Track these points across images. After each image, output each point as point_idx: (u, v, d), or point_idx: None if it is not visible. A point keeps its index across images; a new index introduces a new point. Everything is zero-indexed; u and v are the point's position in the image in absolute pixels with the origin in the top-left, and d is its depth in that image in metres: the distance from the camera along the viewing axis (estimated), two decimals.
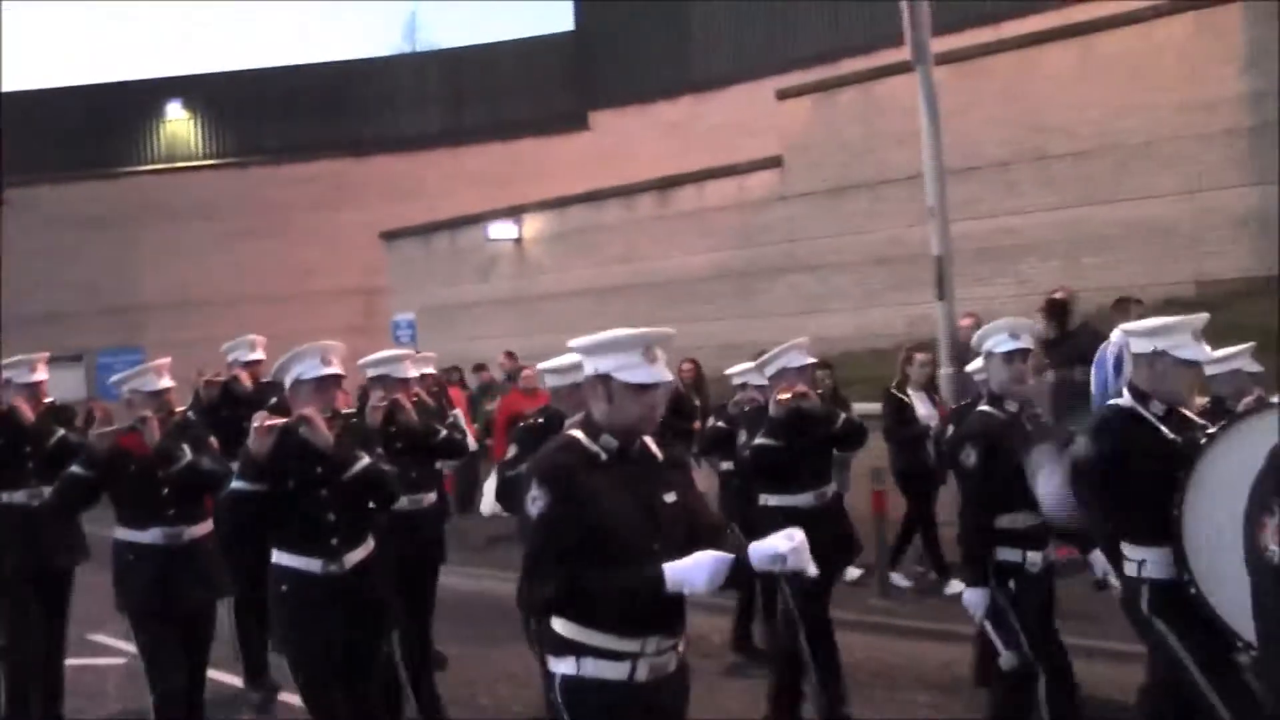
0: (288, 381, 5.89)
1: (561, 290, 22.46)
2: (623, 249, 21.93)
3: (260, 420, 5.61)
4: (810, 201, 19.13)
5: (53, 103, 32.89)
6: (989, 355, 6.24)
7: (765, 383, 8.18)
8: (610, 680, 3.92)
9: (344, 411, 6.17)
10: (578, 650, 3.93)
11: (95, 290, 30.84)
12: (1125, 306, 10.16)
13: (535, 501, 3.88)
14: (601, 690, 3.92)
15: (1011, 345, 6.14)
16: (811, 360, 7.56)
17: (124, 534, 6.88)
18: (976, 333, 6.44)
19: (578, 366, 5.52)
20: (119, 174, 32.48)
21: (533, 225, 23.71)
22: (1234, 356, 7.21)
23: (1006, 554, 6.00)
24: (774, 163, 19.77)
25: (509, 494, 6.50)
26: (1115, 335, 5.99)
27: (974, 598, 6.05)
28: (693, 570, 3.81)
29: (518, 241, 23.69)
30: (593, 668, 3.91)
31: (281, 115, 32.73)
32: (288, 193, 31.47)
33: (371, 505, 6.03)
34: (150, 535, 6.81)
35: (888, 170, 18.07)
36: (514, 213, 23.81)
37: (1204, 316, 5.49)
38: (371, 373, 8.15)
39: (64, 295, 30.26)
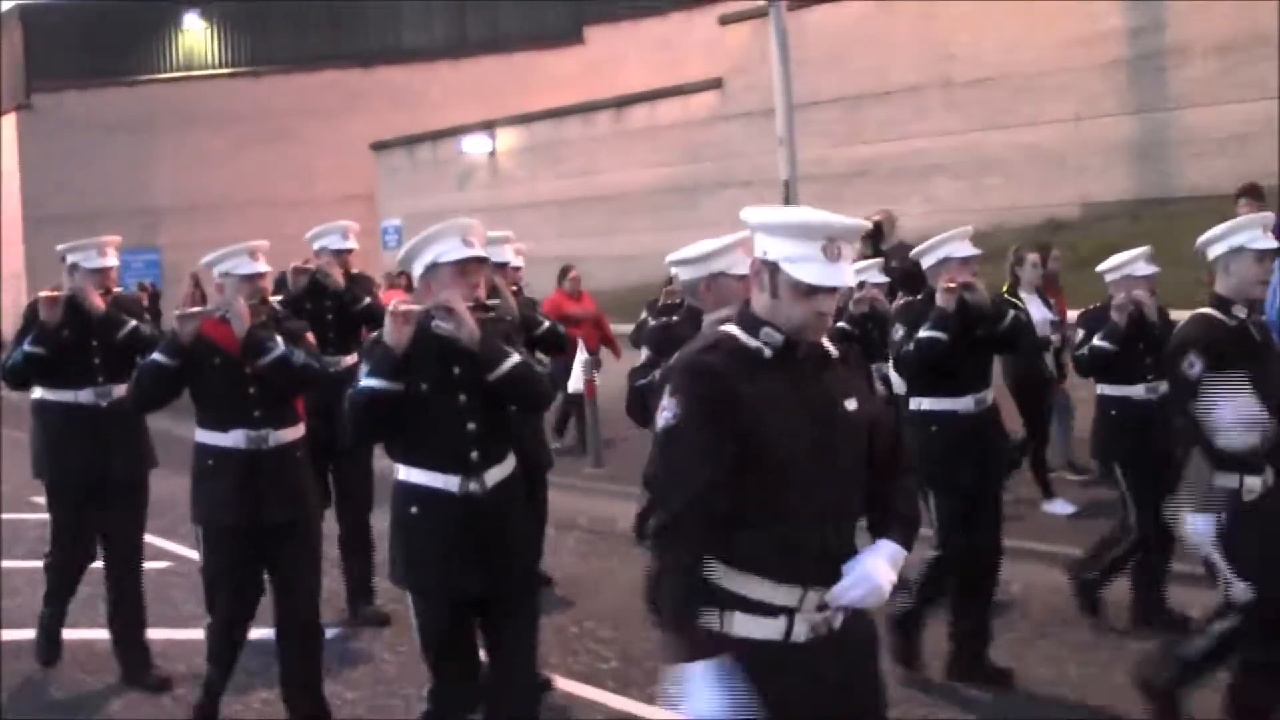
0: (419, 266, 4.93)
1: (530, 201, 23.90)
2: (583, 163, 23.35)
3: (397, 305, 4.79)
4: (747, 121, 20.40)
5: (75, 13, 34.19)
6: (1237, 251, 5.41)
7: (875, 280, 8.87)
8: (760, 640, 3.25)
9: (488, 302, 5.20)
10: (724, 601, 3.26)
11: (112, 192, 32.33)
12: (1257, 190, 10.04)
13: (664, 412, 3.28)
14: (751, 653, 3.23)
15: (1269, 244, 5.41)
16: (977, 251, 6.85)
17: (203, 436, 6.12)
18: (1216, 230, 5.54)
19: (710, 257, 5.29)
20: (137, 82, 33.85)
21: (505, 139, 25.14)
22: (1129, 262, 7.48)
23: (1220, 479, 5.28)
24: (715, 84, 21.07)
25: (641, 405, 5.50)
26: None
27: (1203, 525, 5.29)
28: (859, 582, 3.29)
29: (491, 154, 25.14)
30: (739, 625, 3.25)
31: (293, 26, 33.99)
32: (296, 101, 32.78)
33: (516, 409, 5.11)
34: (232, 438, 6.02)
35: (817, 93, 19.35)
36: (488, 127, 25.22)
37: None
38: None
39: (83, 197, 31.82)
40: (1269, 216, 5.54)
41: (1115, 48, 16.68)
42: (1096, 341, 7.42)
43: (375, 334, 4.98)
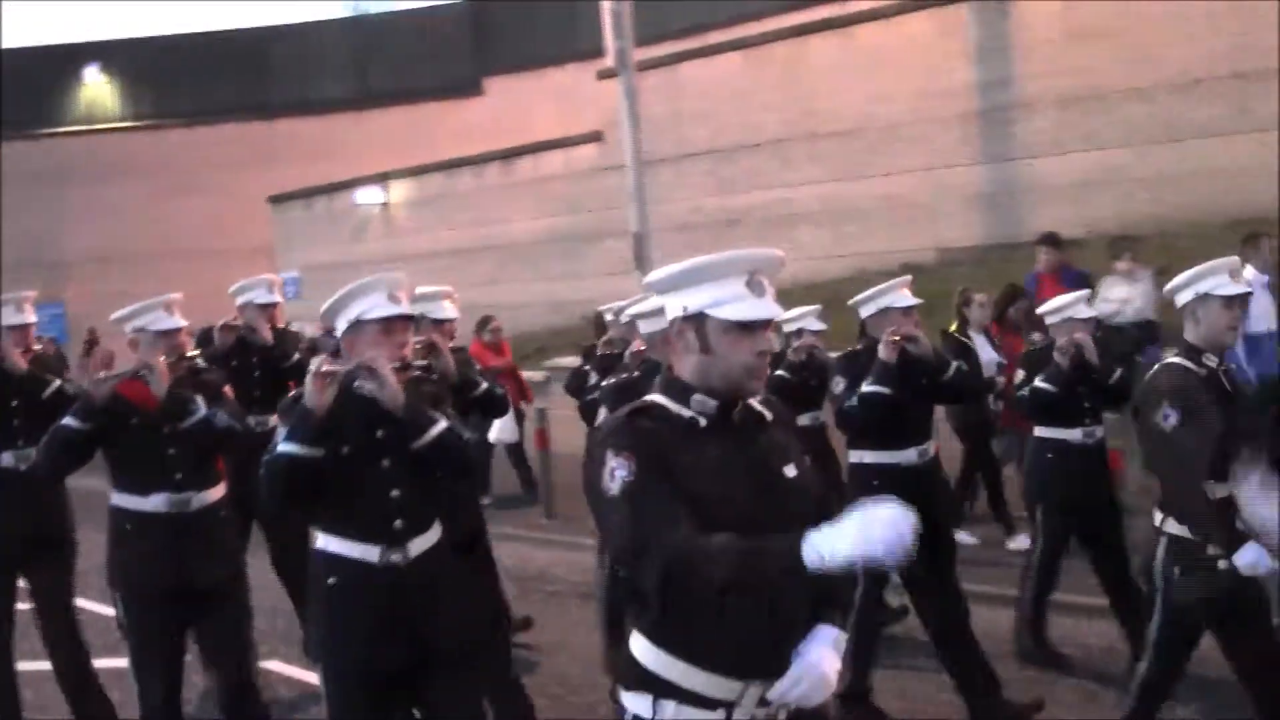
0: (343, 323, 4.69)
1: (422, 251, 24.34)
2: (472, 214, 23.86)
3: (320, 366, 4.46)
4: (625, 173, 20.98)
5: None
6: (1203, 298, 5.23)
7: (812, 327, 8.59)
8: None
9: (416, 363, 5.01)
10: (658, 688, 3.10)
11: (16, 245, 32.48)
12: (1255, 241, 9.95)
13: (616, 473, 3.02)
14: None
15: (1235, 289, 5.24)
16: (917, 301, 6.70)
17: (121, 500, 5.78)
18: (1183, 276, 5.36)
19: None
20: (40, 135, 34.13)
21: (398, 191, 25.63)
22: (1070, 305, 7.36)
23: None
24: (595, 137, 21.66)
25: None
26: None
27: (1253, 555, 4.92)
28: (804, 676, 3.05)
29: (385, 206, 25.62)
30: (672, 713, 3.08)
31: (196, 79, 34.41)
32: (202, 154, 33.14)
33: (442, 477, 4.87)
34: (153, 503, 5.71)
35: (691, 145, 20.02)
36: (381, 179, 25.71)
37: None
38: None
39: None
40: (1235, 261, 5.32)
41: (966, 102, 17.40)
42: (1038, 383, 7.24)
43: (294, 393, 4.65)
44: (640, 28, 26.00)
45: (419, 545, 4.63)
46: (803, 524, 2.95)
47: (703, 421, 3.11)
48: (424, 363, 5.73)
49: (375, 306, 4.60)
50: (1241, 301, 5.31)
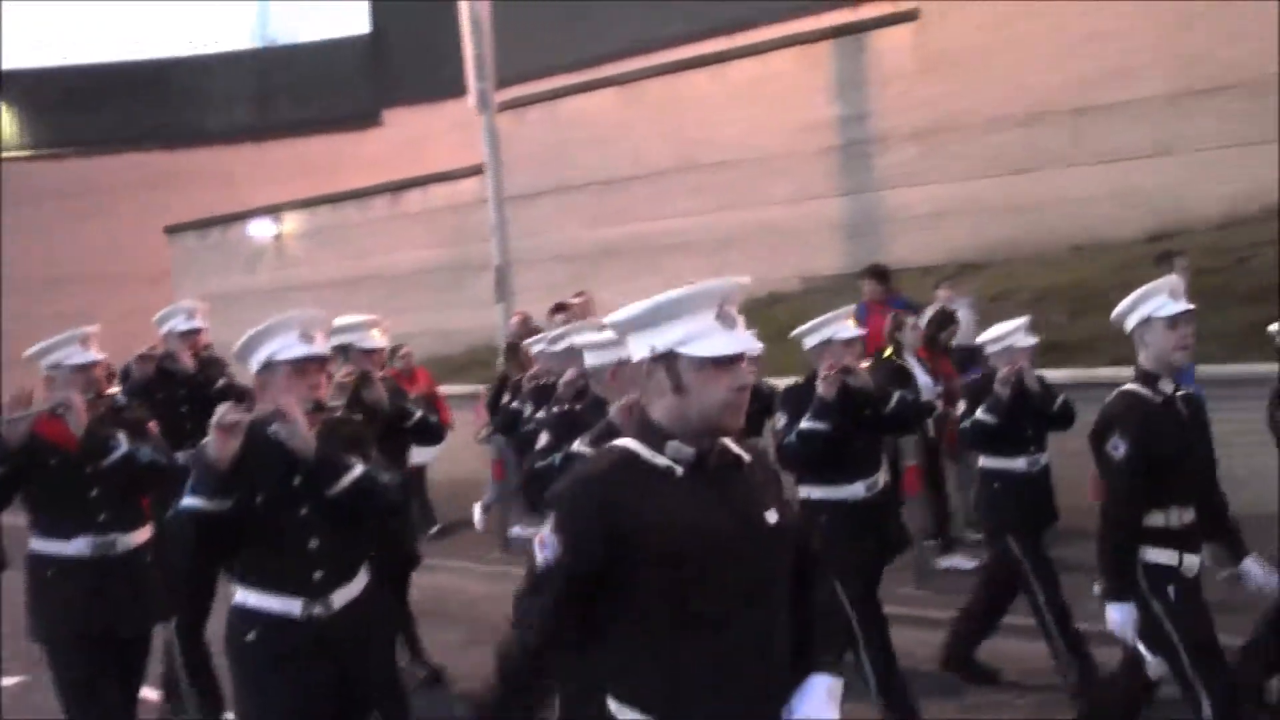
0: (254, 363, 4.50)
1: (313, 282, 24.71)
2: (361, 245, 24.29)
3: (223, 416, 4.23)
4: (508, 205, 21.50)
5: None
6: (1146, 321, 5.20)
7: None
8: None
9: (329, 404, 4.79)
10: None
11: None
12: (1168, 261, 10.12)
13: (544, 550, 2.95)
14: None
15: (1176, 307, 5.15)
16: (861, 333, 6.65)
17: (41, 545, 5.57)
18: (1124, 303, 5.31)
19: (618, 343, 4.86)
20: None
21: (290, 223, 26.03)
22: (1011, 333, 7.46)
23: (1159, 556, 5.14)
24: (478, 170, 22.14)
25: (539, 489, 5.11)
26: None
27: (1122, 615, 5.09)
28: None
29: (277, 237, 26.00)
30: None
31: (96, 108, 34.49)
32: (105, 181, 33.14)
33: (364, 522, 4.70)
34: (76, 546, 5.51)
35: (576, 177, 20.61)
36: (273, 211, 26.09)
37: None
38: (333, 341, 6.66)
39: None
40: (1175, 280, 5.31)
41: (830, 135, 18.11)
42: (979, 415, 7.26)
43: (200, 444, 4.42)
44: (524, 64, 26.77)
45: (342, 596, 4.45)
46: (781, 577, 2.99)
47: (678, 470, 2.97)
48: (339, 403, 5.56)
49: (287, 347, 4.45)
50: (1187, 319, 5.18)
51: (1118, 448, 5.11)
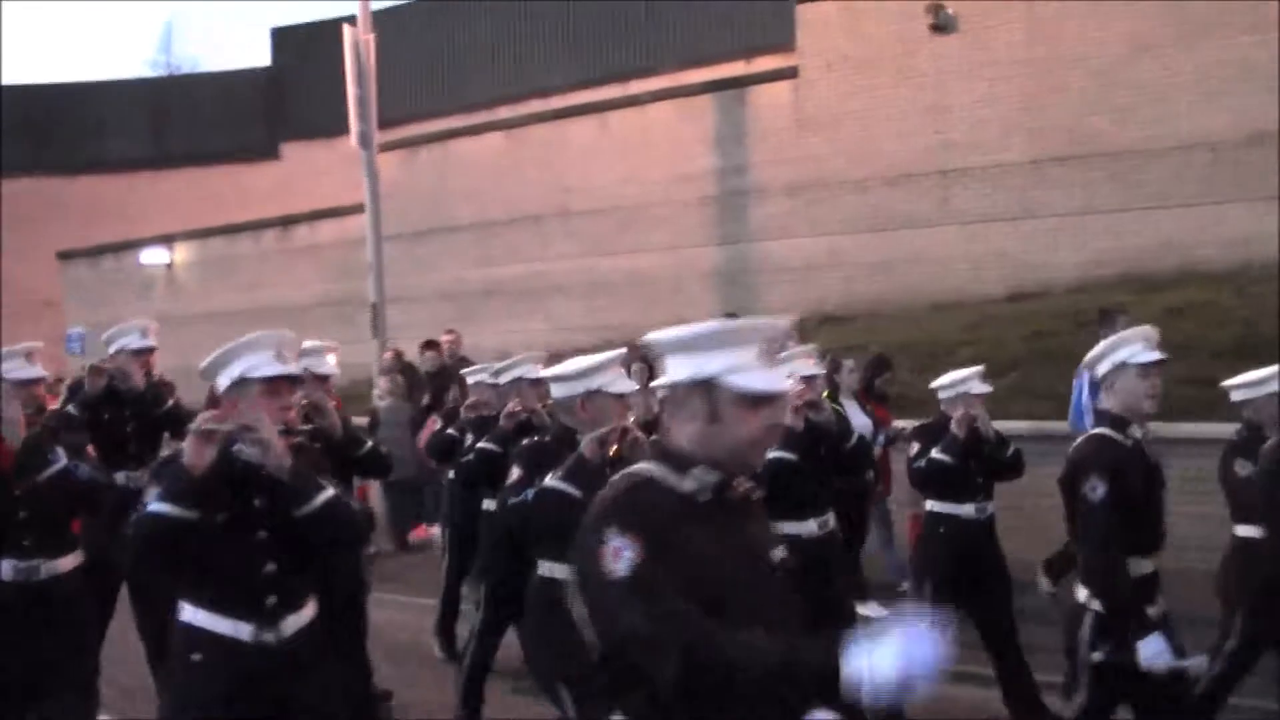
0: (224, 380, 4.36)
1: (204, 313, 24.81)
2: (252, 277, 24.45)
3: (202, 423, 4.15)
4: (395, 242, 21.84)
5: None
6: (1120, 367, 5.24)
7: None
8: None
9: (299, 428, 4.70)
10: None
11: None
12: (1111, 320, 10.07)
13: (622, 554, 2.77)
14: None
15: (1151, 356, 5.22)
16: (821, 371, 6.72)
17: None
18: (1098, 348, 5.41)
19: (587, 373, 5.21)
20: None
21: (182, 253, 26.13)
22: (964, 380, 7.44)
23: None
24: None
25: (520, 526, 5.42)
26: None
27: (1152, 647, 4.97)
28: (892, 650, 2.64)
29: (169, 267, 26.07)
30: None
31: None
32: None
33: (323, 550, 4.57)
34: None
35: (459, 218, 20.96)
36: (166, 240, 26.18)
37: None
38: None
39: None
40: (1150, 330, 5.36)
41: (707, 186, 18.63)
42: (935, 454, 7.22)
43: (166, 455, 4.44)
44: (415, 104, 27.15)
45: (293, 623, 4.33)
46: (794, 615, 2.92)
47: (703, 497, 2.91)
48: (308, 427, 5.38)
49: (260, 365, 4.33)
50: (1159, 369, 5.25)
51: (1096, 489, 5.09)
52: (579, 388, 5.23)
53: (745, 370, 2.90)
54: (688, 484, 2.90)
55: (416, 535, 14.35)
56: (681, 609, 2.71)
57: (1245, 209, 14.40)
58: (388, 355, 14.86)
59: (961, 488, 7.32)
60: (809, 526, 6.50)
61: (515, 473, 5.53)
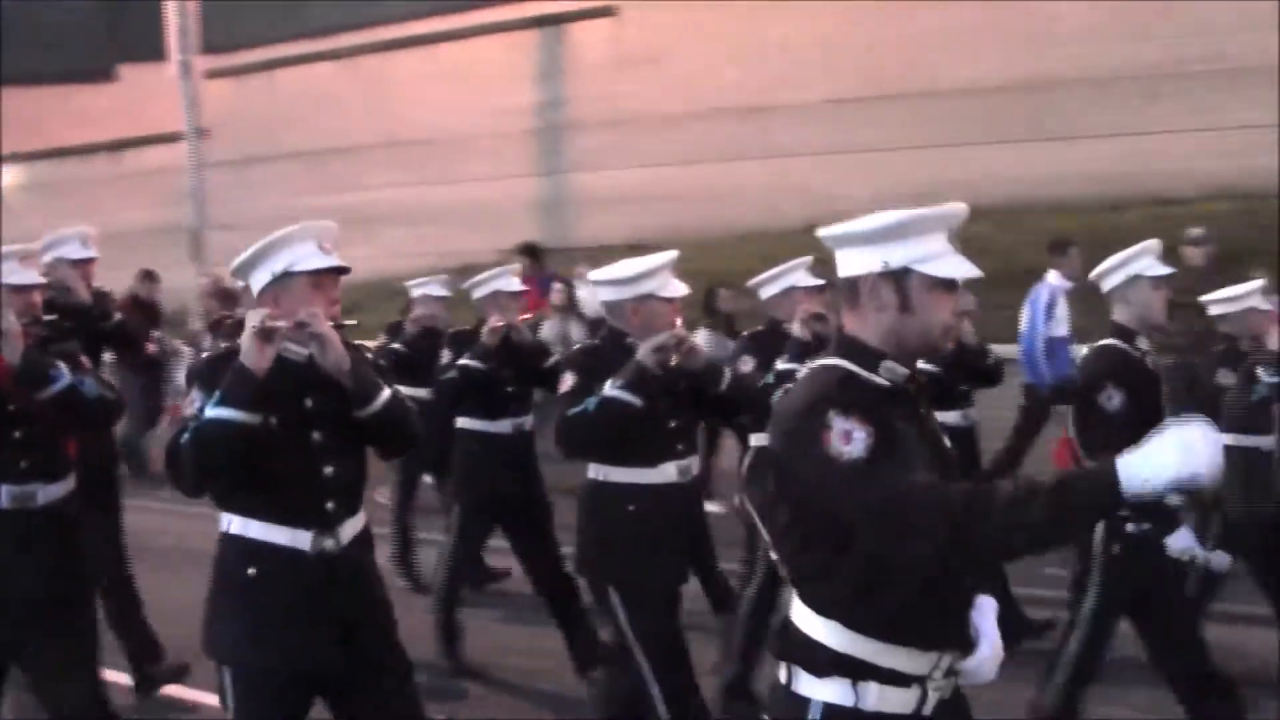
0: (265, 275, 4.06)
1: (31, 238, 24.75)
2: (82, 202, 24.46)
3: (261, 320, 3.86)
4: (228, 169, 22.08)
5: None
6: (1134, 279, 5.24)
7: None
8: (892, 715, 2.87)
9: (345, 323, 4.18)
10: (855, 670, 2.84)
11: None
12: (1062, 248, 10.12)
13: (853, 436, 2.69)
14: None
15: (1162, 269, 5.26)
16: (823, 281, 6.48)
17: None
18: (1109, 261, 5.34)
19: (640, 278, 5.05)
20: None
21: (10, 175, 26.07)
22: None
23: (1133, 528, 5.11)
24: (202, 133, 22.66)
25: (574, 436, 5.07)
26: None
27: (1186, 538, 5.06)
28: (994, 653, 2.90)
29: None
30: (875, 697, 2.84)
31: None
32: None
33: (385, 450, 4.45)
34: None
35: (285, 146, 21.30)
36: None
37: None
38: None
39: None
40: (1157, 244, 5.34)
41: (529, 119, 19.25)
42: (922, 365, 6.75)
43: (212, 355, 4.16)
44: (245, 32, 27.22)
45: (350, 529, 4.09)
46: None
47: (896, 389, 2.89)
48: (352, 322, 4.63)
49: (305, 257, 4.02)
50: (1168, 281, 5.30)
51: (1112, 398, 5.08)
52: (629, 292, 5.08)
53: (941, 257, 2.88)
54: (880, 377, 2.88)
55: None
56: (936, 480, 2.72)
57: (1013, 150, 15.42)
58: (205, 281, 15.26)
59: (947, 397, 7.21)
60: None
61: (569, 380, 5.19)
